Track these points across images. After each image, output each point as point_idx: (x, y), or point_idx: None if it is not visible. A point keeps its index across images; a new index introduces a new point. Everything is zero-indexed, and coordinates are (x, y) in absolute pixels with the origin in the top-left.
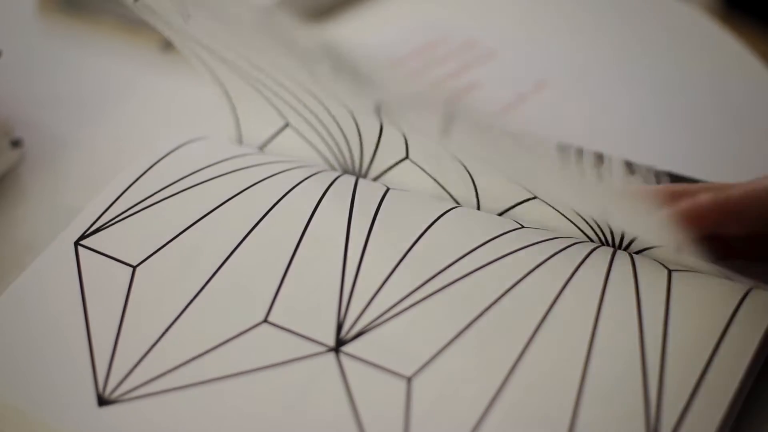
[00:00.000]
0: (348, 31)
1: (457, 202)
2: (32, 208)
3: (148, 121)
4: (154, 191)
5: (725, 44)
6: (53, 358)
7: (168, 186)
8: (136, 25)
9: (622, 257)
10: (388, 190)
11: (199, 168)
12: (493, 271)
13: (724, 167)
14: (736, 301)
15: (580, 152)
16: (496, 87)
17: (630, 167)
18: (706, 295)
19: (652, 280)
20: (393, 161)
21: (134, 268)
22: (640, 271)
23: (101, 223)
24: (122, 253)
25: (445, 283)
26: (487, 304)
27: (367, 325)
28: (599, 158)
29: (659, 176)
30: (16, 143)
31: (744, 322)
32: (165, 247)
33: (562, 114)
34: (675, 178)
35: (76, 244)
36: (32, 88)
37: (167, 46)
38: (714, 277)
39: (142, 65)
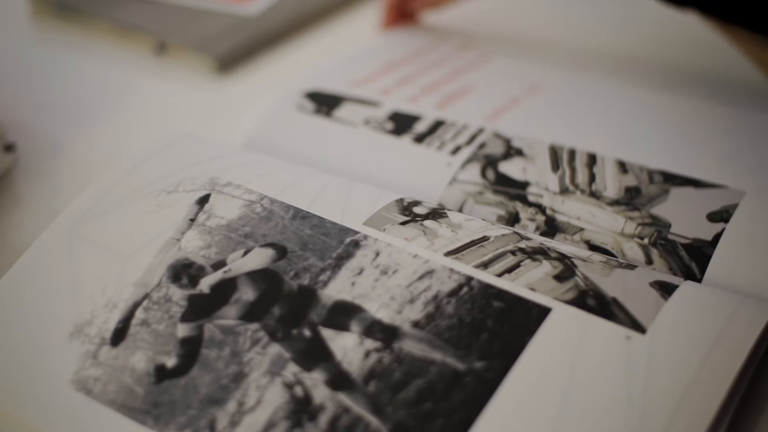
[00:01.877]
0: (345, 33)
1: None
2: (26, 212)
3: (142, 125)
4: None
5: (719, 48)
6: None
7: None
8: (129, 29)
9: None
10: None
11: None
12: None
13: (718, 169)
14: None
15: (572, 152)
16: (489, 90)
17: (623, 166)
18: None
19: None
20: None
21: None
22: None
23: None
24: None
25: None
26: None
27: None
28: (591, 158)
29: (652, 174)
30: (9, 147)
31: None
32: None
33: (556, 116)
34: (668, 177)
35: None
36: (25, 93)
37: (161, 49)
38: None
39: (136, 69)
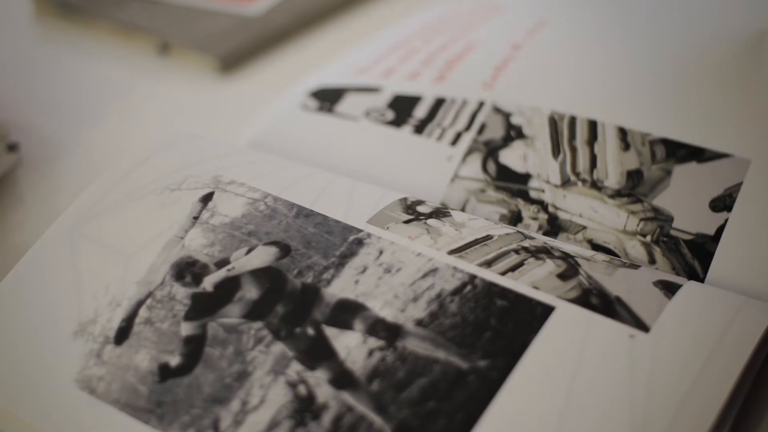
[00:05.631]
0: (349, 33)
1: None
2: (29, 211)
3: (145, 125)
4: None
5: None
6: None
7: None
8: (132, 29)
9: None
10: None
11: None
12: None
13: (723, 131)
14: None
15: (572, 122)
16: (490, 42)
17: (624, 137)
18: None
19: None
20: None
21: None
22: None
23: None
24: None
25: None
26: None
27: None
28: (592, 128)
29: (654, 148)
30: (12, 147)
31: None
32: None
33: (557, 67)
34: (670, 148)
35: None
36: (28, 92)
37: (163, 49)
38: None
39: (139, 69)
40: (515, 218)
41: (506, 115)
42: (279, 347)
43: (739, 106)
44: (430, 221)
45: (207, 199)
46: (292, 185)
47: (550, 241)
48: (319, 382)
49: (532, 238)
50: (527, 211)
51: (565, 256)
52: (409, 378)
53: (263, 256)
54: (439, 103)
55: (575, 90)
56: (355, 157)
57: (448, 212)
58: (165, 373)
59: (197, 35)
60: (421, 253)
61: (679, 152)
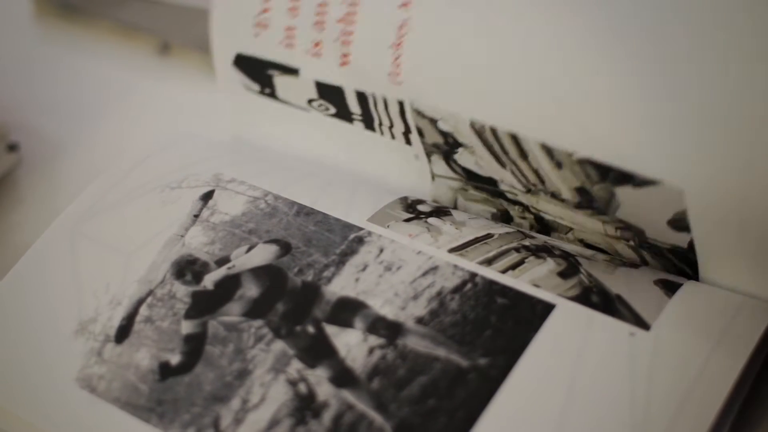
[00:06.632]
0: None
1: None
2: (29, 211)
3: (145, 124)
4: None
5: None
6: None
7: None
8: (132, 29)
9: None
10: None
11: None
12: None
13: (647, 151)
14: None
15: (495, 133)
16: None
17: (551, 156)
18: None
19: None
20: None
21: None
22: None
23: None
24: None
25: None
26: None
27: None
28: (515, 141)
29: (586, 169)
30: (12, 147)
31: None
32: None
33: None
34: (602, 171)
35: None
36: (29, 92)
37: (164, 49)
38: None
39: (139, 69)
40: (505, 217)
41: (432, 121)
42: (279, 345)
43: (665, 124)
44: (431, 220)
45: (207, 197)
46: (292, 183)
47: (551, 240)
48: (320, 380)
49: (532, 237)
50: (513, 210)
51: (566, 255)
52: (409, 376)
53: (264, 254)
54: (361, 97)
55: (486, 93)
56: (335, 156)
57: (449, 211)
58: (165, 371)
59: (198, 35)
60: (421, 252)
61: (610, 175)
